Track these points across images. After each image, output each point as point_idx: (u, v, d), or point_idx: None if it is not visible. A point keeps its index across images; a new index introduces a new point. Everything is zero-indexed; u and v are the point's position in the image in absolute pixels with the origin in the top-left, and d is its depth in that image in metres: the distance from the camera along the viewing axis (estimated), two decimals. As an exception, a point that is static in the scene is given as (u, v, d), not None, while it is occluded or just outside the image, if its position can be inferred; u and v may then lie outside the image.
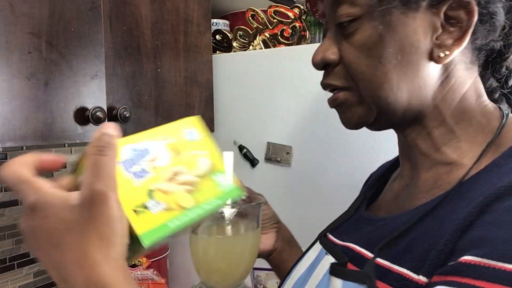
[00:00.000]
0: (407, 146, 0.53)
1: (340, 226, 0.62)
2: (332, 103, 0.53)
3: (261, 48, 1.19)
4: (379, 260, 0.45)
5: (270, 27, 1.18)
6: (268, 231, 0.74)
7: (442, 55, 0.46)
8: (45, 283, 1.16)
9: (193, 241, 0.62)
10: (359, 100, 0.50)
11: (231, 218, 0.61)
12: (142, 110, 0.94)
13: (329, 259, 0.55)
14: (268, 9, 1.18)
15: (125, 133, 0.92)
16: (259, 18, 1.20)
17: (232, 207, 0.61)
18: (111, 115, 0.86)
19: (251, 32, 1.21)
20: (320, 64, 0.52)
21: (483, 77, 0.53)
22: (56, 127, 0.76)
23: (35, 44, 0.73)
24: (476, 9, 0.44)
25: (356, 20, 0.47)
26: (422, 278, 0.40)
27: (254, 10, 1.20)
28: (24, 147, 1.10)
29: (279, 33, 1.16)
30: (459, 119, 0.48)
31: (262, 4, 1.24)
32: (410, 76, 0.47)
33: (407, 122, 0.51)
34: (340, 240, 0.58)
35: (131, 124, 0.91)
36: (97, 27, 0.84)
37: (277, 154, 1.11)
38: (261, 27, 1.19)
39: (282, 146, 1.10)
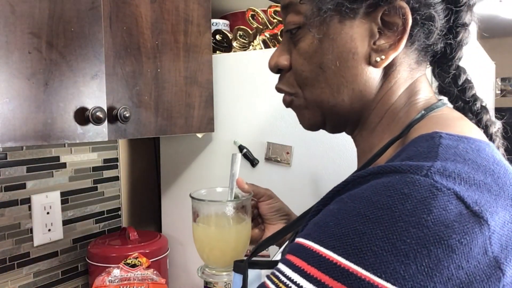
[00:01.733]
0: (356, 147, 0.56)
1: None
2: (284, 103, 0.57)
3: (261, 48, 1.19)
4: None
5: (270, 27, 1.18)
6: (276, 222, 0.81)
7: (378, 59, 0.47)
8: (45, 283, 1.16)
9: (194, 229, 0.76)
10: (305, 104, 0.54)
11: (225, 211, 0.73)
12: (142, 110, 0.94)
13: None
14: (268, 9, 1.18)
15: (125, 133, 0.92)
16: (259, 18, 1.20)
17: (225, 202, 0.74)
18: (111, 115, 0.86)
19: (251, 32, 1.21)
20: (274, 69, 0.55)
21: (439, 75, 0.55)
22: (56, 127, 0.76)
23: (35, 44, 0.73)
24: (409, 14, 0.46)
25: (300, 28, 0.50)
26: None
27: (254, 10, 1.20)
28: (24, 147, 1.10)
29: (279, 33, 1.16)
30: (390, 120, 0.50)
31: (262, 4, 1.24)
32: (350, 80, 0.49)
33: (353, 124, 0.53)
34: None
35: (131, 124, 0.91)
36: (97, 27, 0.84)
37: (277, 154, 1.11)
38: (261, 27, 1.19)
39: (282, 146, 1.10)
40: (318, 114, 0.53)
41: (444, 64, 0.54)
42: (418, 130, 0.44)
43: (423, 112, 0.47)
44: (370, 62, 0.48)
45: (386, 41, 0.47)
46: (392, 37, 0.47)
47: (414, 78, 0.51)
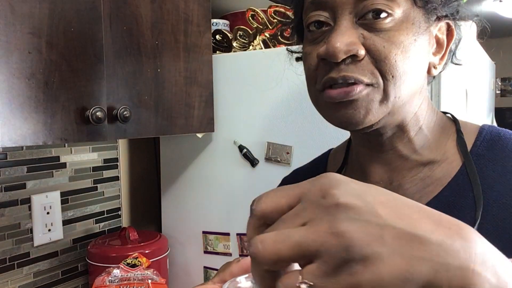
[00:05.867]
0: (383, 151, 0.55)
1: None
2: (345, 95, 0.48)
3: (261, 48, 1.19)
4: None
5: (270, 27, 1.18)
6: None
7: (435, 68, 0.53)
8: (45, 283, 1.16)
9: None
10: (380, 98, 0.48)
11: None
12: (142, 110, 0.94)
13: None
14: (268, 9, 1.18)
15: (125, 133, 0.92)
16: (259, 18, 1.20)
17: None
18: (111, 115, 0.86)
19: (251, 32, 1.21)
20: (343, 56, 0.46)
21: None
22: (56, 127, 0.76)
23: (35, 44, 0.73)
24: (455, 30, 0.53)
25: (391, 16, 0.47)
26: None
27: (254, 10, 1.20)
28: (24, 147, 1.10)
29: (279, 33, 1.16)
30: (430, 123, 0.55)
31: (262, 4, 1.24)
32: (421, 82, 0.52)
33: (393, 127, 0.53)
34: None
35: (131, 124, 0.91)
36: (97, 27, 0.84)
37: (277, 154, 1.11)
38: (261, 27, 1.19)
39: (282, 146, 1.10)
40: (385, 111, 0.49)
41: None
42: (465, 128, 0.55)
43: (450, 116, 0.58)
44: (428, 70, 0.52)
45: (437, 51, 0.53)
46: (441, 48, 0.53)
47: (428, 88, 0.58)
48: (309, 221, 0.25)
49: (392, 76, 0.47)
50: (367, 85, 0.48)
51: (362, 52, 0.47)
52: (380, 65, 0.47)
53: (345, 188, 0.25)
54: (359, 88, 0.47)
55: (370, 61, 0.47)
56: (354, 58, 0.47)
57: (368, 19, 0.47)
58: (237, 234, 1.18)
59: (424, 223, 0.25)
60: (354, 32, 0.47)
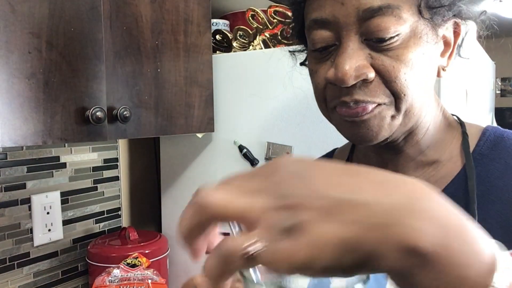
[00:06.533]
0: (391, 154, 0.56)
1: None
2: (357, 115, 0.48)
3: (261, 48, 1.19)
4: None
5: (270, 27, 1.18)
6: None
7: (444, 70, 0.53)
8: (45, 283, 1.16)
9: None
10: (393, 114, 0.49)
11: None
12: (142, 110, 0.94)
13: None
14: (268, 9, 1.18)
15: (125, 133, 0.92)
16: (259, 18, 1.20)
17: None
18: (111, 115, 0.86)
19: (251, 32, 1.21)
20: (353, 81, 0.46)
21: None
22: (56, 127, 0.76)
23: (35, 44, 0.73)
24: (461, 28, 0.52)
25: (399, 35, 0.46)
26: None
27: (254, 10, 1.20)
28: (24, 147, 1.10)
29: (279, 33, 1.16)
30: (438, 124, 0.55)
31: (262, 4, 1.24)
32: (430, 91, 0.52)
33: (404, 132, 0.53)
34: None
35: (131, 124, 0.91)
36: (97, 27, 0.84)
37: (277, 154, 1.11)
38: (261, 27, 1.19)
39: (282, 146, 1.10)
40: (397, 124, 0.49)
41: None
42: (469, 129, 0.56)
43: (456, 118, 0.58)
44: (438, 73, 0.52)
45: (446, 51, 0.52)
46: (449, 47, 0.52)
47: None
48: (257, 192, 0.27)
49: (404, 95, 0.47)
50: (379, 104, 0.48)
51: (372, 75, 0.46)
52: (391, 85, 0.47)
53: (288, 168, 0.28)
54: (370, 107, 0.48)
55: (380, 81, 0.47)
56: (364, 81, 0.47)
57: (375, 40, 0.46)
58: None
59: (361, 188, 0.26)
60: (362, 53, 0.46)
